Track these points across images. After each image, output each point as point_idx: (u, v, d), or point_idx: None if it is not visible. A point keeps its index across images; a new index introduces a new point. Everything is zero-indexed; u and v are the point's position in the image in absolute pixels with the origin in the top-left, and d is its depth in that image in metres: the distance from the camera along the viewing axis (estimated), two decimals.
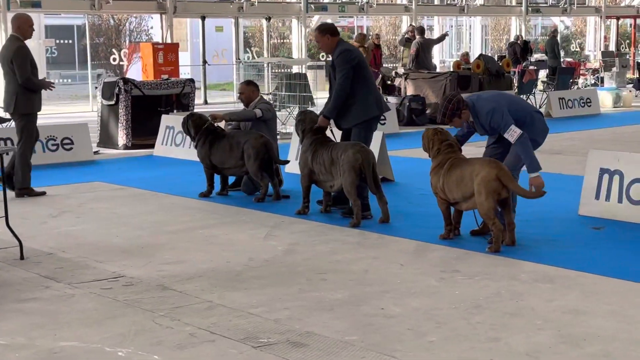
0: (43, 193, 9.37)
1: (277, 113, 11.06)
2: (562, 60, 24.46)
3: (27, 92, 9.00)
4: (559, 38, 25.72)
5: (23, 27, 9.00)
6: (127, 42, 28.30)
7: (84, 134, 12.35)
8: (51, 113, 19.65)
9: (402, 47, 21.28)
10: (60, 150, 11.99)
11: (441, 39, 21.85)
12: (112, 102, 13.51)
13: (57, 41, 29.66)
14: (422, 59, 19.39)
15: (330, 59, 8.22)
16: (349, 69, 7.92)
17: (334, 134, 8.37)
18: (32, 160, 9.36)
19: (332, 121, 8.22)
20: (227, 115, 9.33)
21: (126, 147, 13.36)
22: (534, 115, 7.18)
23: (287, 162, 9.53)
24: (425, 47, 19.79)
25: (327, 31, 8.15)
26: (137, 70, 21.43)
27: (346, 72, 7.92)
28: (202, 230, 7.62)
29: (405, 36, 21.05)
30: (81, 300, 5.57)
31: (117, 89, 13.37)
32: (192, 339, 4.80)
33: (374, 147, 9.30)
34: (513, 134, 6.83)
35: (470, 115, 7.03)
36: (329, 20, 19.54)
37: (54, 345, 4.72)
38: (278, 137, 10.17)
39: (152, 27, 28.11)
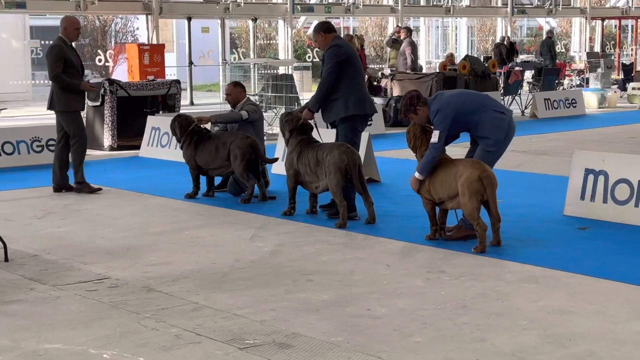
0: (98, 189, 9.60)
1: (264, 114, 11.05)
2: (556, 61, 24.58)
3: (63, 90, 9.27)
4: (554, 39, 25.83)
5: (68, 29, 9.24)
6: (113, 43, 28.22)
7: None
8: (36, 114, 19.55)
9: (388, 49, 21.31)
10: (46, 151, 11.92)
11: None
12: (98, 103, 13.47)
13: (43, 42, 29.54)
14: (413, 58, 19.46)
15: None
16: (334, 63, 7.94)
17: (320, 134, 8.37)
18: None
19: (315, 119, 8.25)
20: (213, 117, 9.31)
21: (112, 148, 13.33)
22: (490, 114, 7.11)
23: (276, 159, 9.51)
24: (414, 48, 19.85)
25: (320, 29, 8.17)
26: (123, 71, 21.37)
27: (331, 66, 7.94)
28: (188, 232, 7.61)
29: (392, 37, 21.08)
30: (66, 302, 5.54)
31: (102, 90, 13.32)
32: (177, 340, 4.79)
33: (361, 147, 9.32)
34: (433, 137, 6.94)
35: (428, 113, 7.08)
36: (315, 21, 19.54)
37: (39, 348, 4.69)
38: (265, 138, 10.16)
39: (137, 28, 28.05)
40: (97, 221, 8.11)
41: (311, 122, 8.20)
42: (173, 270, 6.30)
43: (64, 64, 9.18)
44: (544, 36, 25.56)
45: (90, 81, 13.85)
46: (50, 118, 17.88)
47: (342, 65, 7.96)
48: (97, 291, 5.76)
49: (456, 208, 6.93)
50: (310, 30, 29.91)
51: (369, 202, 7.74)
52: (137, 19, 26.22)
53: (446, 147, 7.16)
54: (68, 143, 9.51)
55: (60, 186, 9.60)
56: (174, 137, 10.15)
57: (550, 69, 22.45)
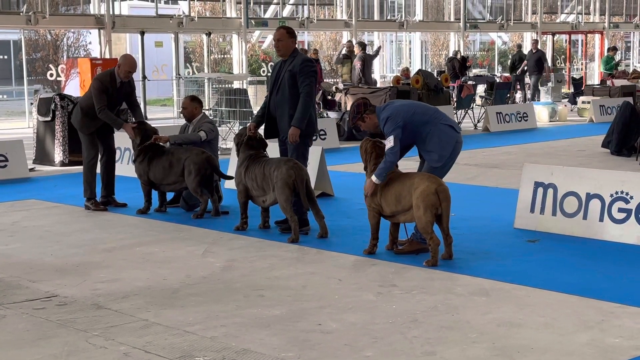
0: (104, 209, 9.45)
1: (218, 129, 11.00)
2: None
3: (84, 114, 9.40)
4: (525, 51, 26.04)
5: (121, 68, 9.30)
6: (65, 57, 27.92)
7: (19, 151, 12.14)
8: None
9: (339, 65, 21.44)
10: None
11: (377, 53, 22.14)
12: (49, 119, 13.31)
13: None
14: (365, 73, 19.57)
15: (284, 60, 8.11)
16: (312, 79, 7.95)
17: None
18: None
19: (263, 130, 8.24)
20: (172, 137, 9.24)
21: (63, 164, 13.17)
22: (439, 127, 7.17)
23: (231, 177, 9.44)
24: (367, 62, 19.96)
25: (293, 35, 8.15)
26: (75, 86, 21.12)
27: (310, 81, 7.93)
28: (139, 248, 7.53)
29: (343, 52, 21.19)
30: (12, 321, 5.44)
31: (53, 105, 13.18)
32: (126, 358, 4.73)
33: (314, 161, 9.33)
34: (388, 143, 6.98)
35: (376, 121, 7.13)
36: (270, 36, 19.40)
37: None
38: (219, 153, 10.12)
39: (90, 43, 27.79)
40: (46, 238, 7.99)
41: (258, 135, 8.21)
42: (123, 287, 6.23)
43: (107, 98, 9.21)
44: (527, 50, 25.65)
45: (41, 96, 13.73)
46: (2, 133, 17.54)
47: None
48: (45, 309, 5.67)
49: (409, 221, 6.96)
50: (268, 42, 29.98)
51: (319, 216, 7.74)
52: (90, 33, 25.99)
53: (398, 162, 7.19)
54: (111, 160, 9.57)
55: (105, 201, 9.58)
56: (126, 152, 10.09)
57: (501, 83, 22.73)
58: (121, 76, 9.24)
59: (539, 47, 24.57)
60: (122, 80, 9.26)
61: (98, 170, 9.50)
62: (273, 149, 8.42)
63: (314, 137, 8.64)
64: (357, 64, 19.51)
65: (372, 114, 7.16)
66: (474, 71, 26.85)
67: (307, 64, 7.99)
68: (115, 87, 9.24)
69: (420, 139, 7.17)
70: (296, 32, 8.41)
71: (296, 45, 8.21)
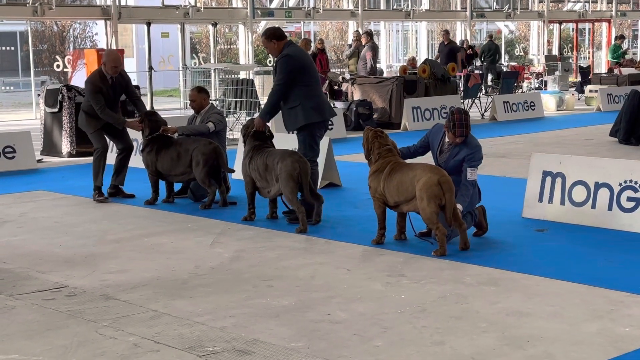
0: (106, 199, 9.48)
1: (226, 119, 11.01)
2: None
3: (86, 113, 9.42)
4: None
5: (107, 65, 9.25)
6: (72, 48, 27.95)
7: (27, 142, 12.16)
8: None
9: (348, 59, 21.37)
10: (2, 159, 11.79)
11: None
12: (56, 110, 13.33)
13: (0, 48, 29.17)
14: (373, 63, 19.52)
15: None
16: (285, 75, 7.97)
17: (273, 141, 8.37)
18: None
19: (269, 127, 8.28)
20: (180, 129, 9.24)
21: (70, 155, 13.19)
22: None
23: (233, 171, 9.45)
24: (375, 52, 19.91)
25: (272, 36, 8.15)
26: (82, 77, 21.12)
27: (281, 77, 8.00)
28: (148, 239, 7.55)
29: (351, 48, 21.12)
30: (22, 311, 5.46)
31: (60, 96, 13.19)
32: (135, 349, 4.74)
33: (322, 152, 9.32)
34: (472, 174, 7.08)
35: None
36: (277, 26, 19.35)
37: None
38: (226, 144, 10.12)
39: (96, 34, 27.83)
40: (54, 229, 8.01)
41: (266, 129, 8.23)
42: (132, 277, 6.24)
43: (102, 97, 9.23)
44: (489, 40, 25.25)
45: (48, 87, 13.74)
46: (7, 125, 17.63)
47: (294, 75, 7.97)
48: (54, 300, 5.69)
49: (412, 211, 6.96)
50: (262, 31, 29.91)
51: (319, 202, 7.81)
52: (96, 24, 26.00)
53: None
54: (127, 155, 9.61)
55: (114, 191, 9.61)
56: (133, 142, 10.09)
57: (509, 72, 22.66)
58: (109, 72, 9.23)
59: (450, 38, 23.82)
60: (112, 76, 9.26)
61: (109, 162, 9.51)
62: (282, 143, 8.45)
63: (330, 127, 8.72)
64: (367, 54, 19.43)
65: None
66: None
67: (282, 61, 8.05)
68: (107, 85, 9.26)
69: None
70: (281, 30, 8.36)
71: (285, 41, 8.16)
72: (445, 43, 22.18)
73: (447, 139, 7.26)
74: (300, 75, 8.00)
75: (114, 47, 21.34)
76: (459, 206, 6.88)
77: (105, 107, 9.19)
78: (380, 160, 7.08)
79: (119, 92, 9.45)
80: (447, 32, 22.58)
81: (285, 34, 8.44)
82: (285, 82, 7.97)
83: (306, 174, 7.66)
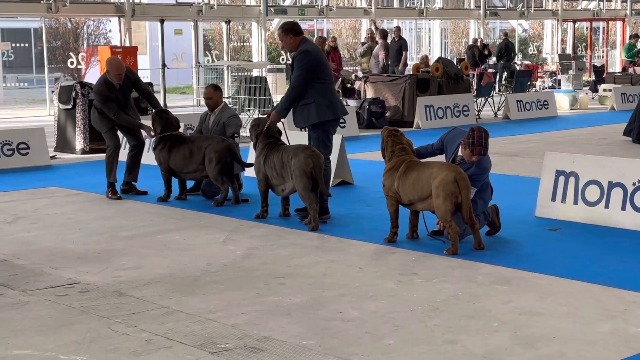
0: (144, 192, 9.58)
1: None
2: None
3: (99, 113, 9.41)
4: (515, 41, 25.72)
5: (111, 74, 9.25)
6: (85, 45, 28.05)
7: (41, 139, 12.21)
8: (7, 117, 19.40)
9: (361, 57, 21.33)
10: (16, 155, 11.84)
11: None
12: (69, 106, 13.37)
13: (14, 45, 29.28)
14: (386, 62, 19.50)
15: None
16: (304, 71, 7.94)
17: (288, 137, 8.35)
18: None
19: (284, 123, 8.26)
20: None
21: (83, 152, 13.24)
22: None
23: (251, 165, 9.46)
24: (389, 51, 19.88)
25: (290, 31, 8.14)
26: (96, 74, 21.21)
27: (300, 73, 7.95)
28: (160, 235, 7.57)
29: (365, 46, 21.09)
30: (35, 307, 5.49)
31: (74, 93, 13.24)
32: (148, 345, 4.76)
33: (334, 150, 9.31)
34: (472, 192, 6.97)
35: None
36: (295, 20, 19.28)
37: (7, 354, 4.64)
38: (239, 141, 10.12)
39: (110, 31, 27.91)
40: (68, 225, 8.04)
41: (280, 125, 8.21)
42: (144, 274, 6.26)
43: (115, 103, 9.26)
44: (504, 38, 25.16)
45: (62, 84, 13.79)
46: (20, 122, 17.71)
47: (312, 71, 7.96)
48: (67, 296, 5.71)
49: (426, 209, 6.95)
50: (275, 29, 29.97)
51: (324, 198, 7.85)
52: (110, 21, 26.07)
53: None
54: (139, 151, 9.64)
55: (127, 188, 9.66)
56: (146, 139, 10.13)
57: (522, 70, 22.58)
58: (115, 80, 9.25)
59: (401, 34, 23.37)
60: (117, 82, 9.29)
61: (121, 158, 9.55)
62: (297, 140, 8.45)
63: (343, 125, 8.69)
64: (380, 53, 19.40)
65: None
66: (494, 59, 26.60)
67: (300, 56, 8.01)
68: (115, 90, 9.28)
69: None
70: (299, 25, 8.30)
71: (302, 37, 8.16)
72: (396, 39, 21.90)
73: (460, 153, 7.21)
74: (317, 71, 8.00)
75: (127, 44, 21.40)
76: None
77: (119, 112, 9.23)
78: (394, 159, 7.08)
79: (128, 92, 9.49)
80: (398, 29, 22.40)
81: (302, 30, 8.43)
82: (305, 79, 7.96)
83: (320, 168, 7.65)
